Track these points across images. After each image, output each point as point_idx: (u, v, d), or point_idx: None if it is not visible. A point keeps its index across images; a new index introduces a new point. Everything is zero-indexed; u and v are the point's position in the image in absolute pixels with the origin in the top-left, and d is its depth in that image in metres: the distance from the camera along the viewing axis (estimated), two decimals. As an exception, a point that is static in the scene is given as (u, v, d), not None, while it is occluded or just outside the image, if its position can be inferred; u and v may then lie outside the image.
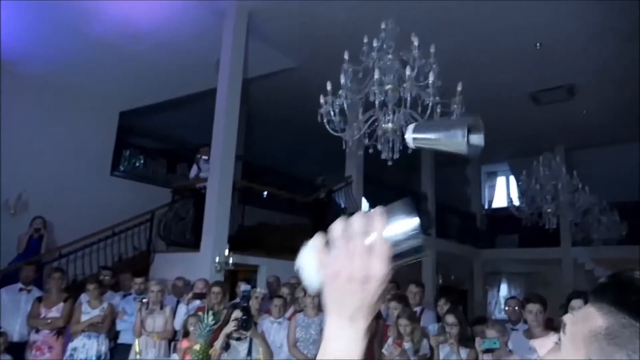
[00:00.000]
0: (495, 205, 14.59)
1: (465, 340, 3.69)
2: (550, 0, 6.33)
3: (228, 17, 6.82)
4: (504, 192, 14.50)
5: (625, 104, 9.32)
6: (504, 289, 13.26)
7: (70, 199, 7.69)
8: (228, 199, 6.49)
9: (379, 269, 0.60)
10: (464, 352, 3.61)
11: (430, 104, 3.71)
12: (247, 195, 7.71)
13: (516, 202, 7.84)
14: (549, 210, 7.03)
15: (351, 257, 0.61)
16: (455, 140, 0.69)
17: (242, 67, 6.88)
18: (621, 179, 10.94)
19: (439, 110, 3.84)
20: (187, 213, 7.39)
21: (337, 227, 0.63)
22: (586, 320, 0.62)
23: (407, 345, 3.84)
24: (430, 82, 3.64)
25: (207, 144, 7.03)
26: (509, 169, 13.97)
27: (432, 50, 3.82)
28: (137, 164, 10.00)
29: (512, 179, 13.95)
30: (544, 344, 0.69)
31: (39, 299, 5.07)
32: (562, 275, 11.39)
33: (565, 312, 3.25)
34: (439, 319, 4.61)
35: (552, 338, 0.69)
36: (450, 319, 3.77)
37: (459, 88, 3.80)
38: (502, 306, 12.37)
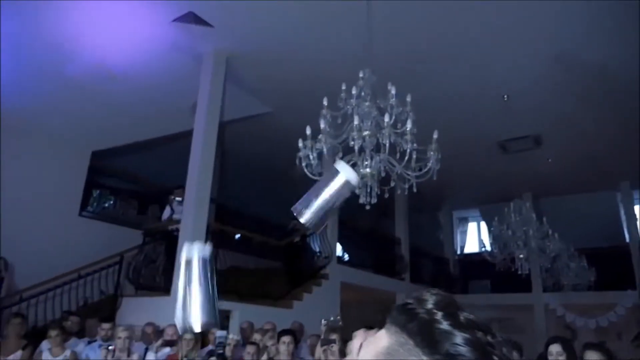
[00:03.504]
0: (467, 250, 14.73)
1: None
2: (516, 57, 6.71)
3: (206, 62, 6.89)
4: (475, 237, 14.70)
5: (586, 155, 9.77)
6: (477, 336, 13.16)
7: (34, 240, 7.40)
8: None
9: None
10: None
11: (408, 151, 3.80)
12: (219, 239, 7.57)
13: (488, 248, 7.93)
14: (522, 255, 7.14)
15: None
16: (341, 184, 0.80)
17: (219, 111, 6.92)
18: (586, 226, 11.29)
19: (414, 157, 3.93)
20: (157, 256, 7.20)
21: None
22: (376, 340, 0.65)
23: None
24: (407, 129, 3.75)
25: (181, 185, 6.95)
26: (480, 214, 14.23)
27: (409, 99, 3.96)
28: (107, 205, 9.78)
29: (482, 224, 14.21)
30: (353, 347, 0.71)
31: (-4, 346, 4.78)
32: (534, 321, 11.46)
33: (545, 358, 3.26)
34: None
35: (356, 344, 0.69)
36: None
37: (435, 136, 3.91)
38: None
